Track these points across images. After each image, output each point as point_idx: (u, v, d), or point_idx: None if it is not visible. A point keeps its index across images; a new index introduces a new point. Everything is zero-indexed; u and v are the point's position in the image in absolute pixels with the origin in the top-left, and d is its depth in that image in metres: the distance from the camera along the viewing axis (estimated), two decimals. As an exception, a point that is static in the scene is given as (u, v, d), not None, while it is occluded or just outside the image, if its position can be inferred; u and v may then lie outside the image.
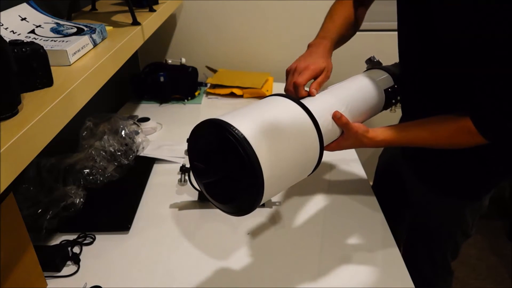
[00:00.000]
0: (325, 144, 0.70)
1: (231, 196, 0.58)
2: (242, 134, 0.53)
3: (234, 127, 0.54)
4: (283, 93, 0.72)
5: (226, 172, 0.57)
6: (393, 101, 0.85)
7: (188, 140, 0.62)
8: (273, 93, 0.70)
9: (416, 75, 0.81)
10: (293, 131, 0.61)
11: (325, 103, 0.71)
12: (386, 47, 0.95)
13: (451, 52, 0.68)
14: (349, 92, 0.76)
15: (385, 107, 0.85)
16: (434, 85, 0.78)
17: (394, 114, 0.94)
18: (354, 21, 0.89)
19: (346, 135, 0.73)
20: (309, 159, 0.63)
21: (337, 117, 0.70)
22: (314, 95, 0.72)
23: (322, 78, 0.76)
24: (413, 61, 0.81)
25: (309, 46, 0.83)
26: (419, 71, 0.80)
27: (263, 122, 0.58)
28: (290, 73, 0.78)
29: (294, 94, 0.74)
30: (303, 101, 0.70)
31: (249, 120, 0.57)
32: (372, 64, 0.91)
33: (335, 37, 0.84)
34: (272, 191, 0.58)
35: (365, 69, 0.91)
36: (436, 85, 0.77)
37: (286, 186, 0.63)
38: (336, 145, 0.75)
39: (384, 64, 0.91)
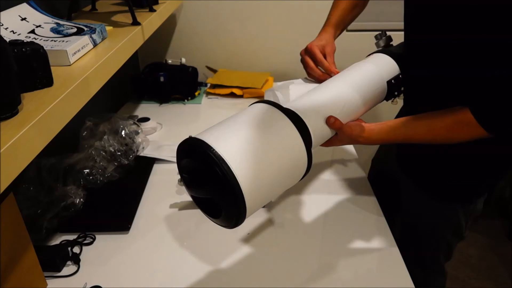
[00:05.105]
0: (317, 145, 0.70)
1: (218, 210, 0.58)
2: (218, 154, 0.53)
3: (211, 147, 0.53)
4: (267, 99, 0.70)
5: (209, 189, 0.56)
6: (396, 93, 0.83)
7: (176, 157, 0.61)
8: (258, 100, 0.68)
9: (423, 69, 0.79)
10: (277, 144, 0.59)
11: (320, 102, 0.70)
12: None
13: (461, 48, 0.67)
14: (348, 90, 0.74)
15: (386, 98, 0.83)
16: (440, 79, 0.76)
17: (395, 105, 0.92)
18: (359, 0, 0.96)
19: (340, 136, 0.73)
20: (296, 168, 0.62)
21: (331, 122, 0.69)
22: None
23: (328, 58, 0.87)
24: (420, 55, 0.79)
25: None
26: (426, 65, 0.78)
27: (244, 137, 0.57)
28: (304, 57, 0.89)
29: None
30: (298, 100, 0.69)
31: (228, 136, 0.56)
32: (382, 41, 0.90)
33: (336, 21, 0.94)
34: (257, 205, 0.58)
35: (374, 44, 0.91)
36: (442, 80, 0.75)
37: (273, 196, 0.62)
38: (328, 144, 0.75)
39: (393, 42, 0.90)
